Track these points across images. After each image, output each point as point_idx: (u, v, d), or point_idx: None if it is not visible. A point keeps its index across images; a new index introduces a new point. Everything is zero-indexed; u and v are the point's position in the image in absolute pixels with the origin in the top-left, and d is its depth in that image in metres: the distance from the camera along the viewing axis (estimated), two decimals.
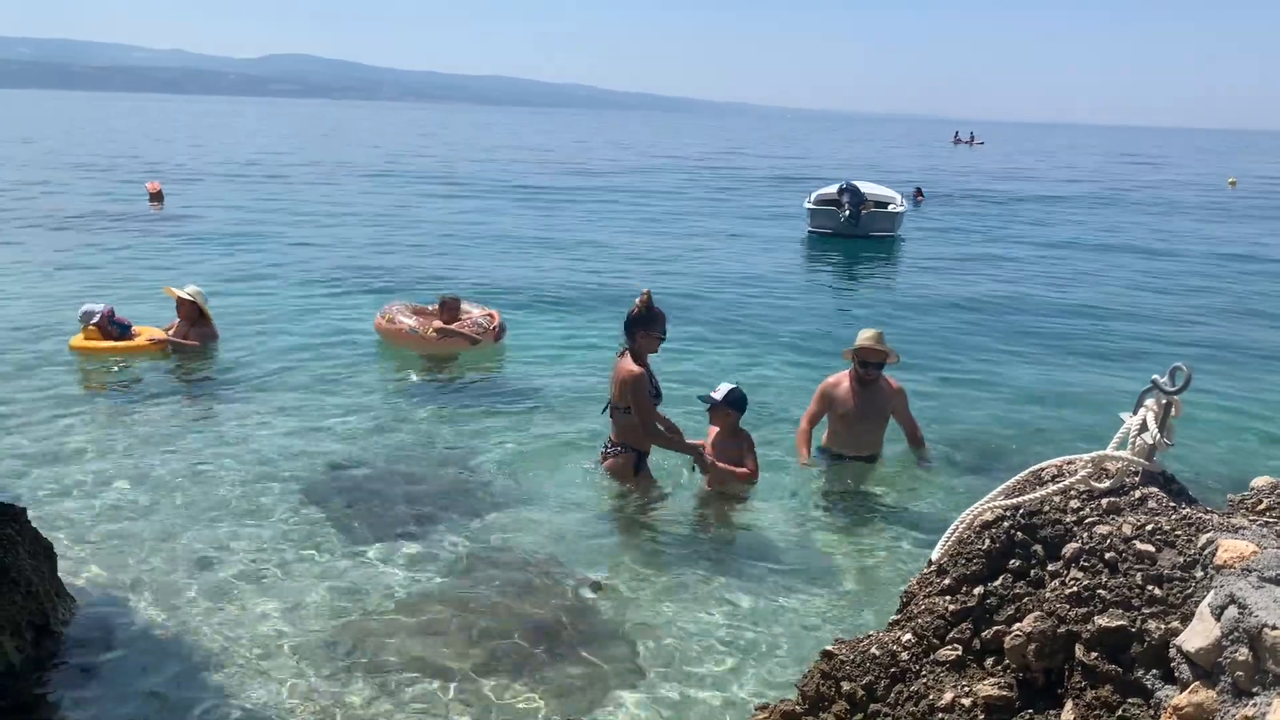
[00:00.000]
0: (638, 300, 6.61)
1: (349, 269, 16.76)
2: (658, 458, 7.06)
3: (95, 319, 10.06)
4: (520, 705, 4.45)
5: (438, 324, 10.76)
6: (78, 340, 10.10)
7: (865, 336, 7.37)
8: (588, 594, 5.54)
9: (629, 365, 6.62)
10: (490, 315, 11.04)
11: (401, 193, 31.55)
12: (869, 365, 7.31)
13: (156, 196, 25.45)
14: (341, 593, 5.43)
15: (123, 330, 10.28)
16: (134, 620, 5.06)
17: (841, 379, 7.51)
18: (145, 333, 10.42)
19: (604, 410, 6.98)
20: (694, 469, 6.94)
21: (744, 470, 6.90)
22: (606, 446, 7.01)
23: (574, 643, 5.01)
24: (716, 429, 7.06)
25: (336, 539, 6.10)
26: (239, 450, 7.57)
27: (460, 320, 10.88)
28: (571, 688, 4.60)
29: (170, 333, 10.41)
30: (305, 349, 10.89)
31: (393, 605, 5.32)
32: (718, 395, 6.93)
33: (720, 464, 6.82)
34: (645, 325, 6.61)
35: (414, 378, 9.92)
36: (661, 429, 6.85)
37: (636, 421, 6.67)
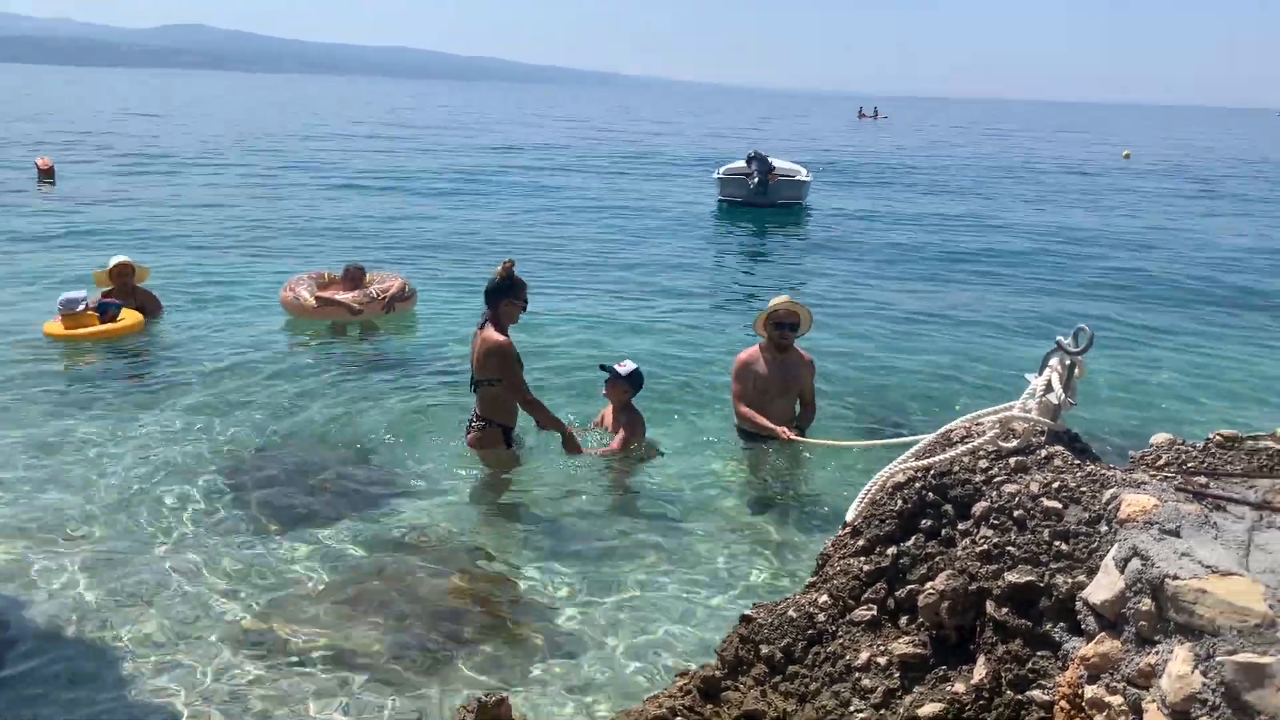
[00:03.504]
0: (499, 268, 6.52)
1: (256, 241, 16.29)
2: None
3: (80, 306, 9.61)
4: (434, 689, 4.37)
5: (320, 293, 10.66)
6: (53, 327, 9.60)
7: (778, 300, 7.28)
8: (496, 572, 5.49)
9: (495, 335, 6.45)
10: (387, 287, 10.86)
11: (305, 166, 30.75)
12: (784, 326, 7.18)
13: (47, 173, 24.01)
14: (248, 579, 5.26)
15: (116, 311, 9.95)
16: (35, 608, 4.85)
17: (754, 353, 7.31)
18: (125, 314, 10.09)
19: (470, 387, 6.81)
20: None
21: (614, 448, 7.00)
22: (471, 422, 6.87)
23: (487, 623, 4.95)
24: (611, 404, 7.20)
25: (240, 525, 5.90)
26: (143, 434, 7.27)
27: (362, 290, 10.74)
28: (488, 668, 4.53)
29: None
30: (210, 325, 10.53)
31: (300, 591, 5.18)
32: (622, 370, 7.06)
33: (585, 450, 6.89)
34: (510, 293, 6.52)
35: (319, 353, 9.65)
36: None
37: (506, 393, 6.56)
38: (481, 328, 6.58)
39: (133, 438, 7.21)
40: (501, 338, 6.45)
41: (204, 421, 7.56)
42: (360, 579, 5.31)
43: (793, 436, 7.02)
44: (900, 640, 2.82)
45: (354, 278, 10.98)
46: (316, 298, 10.57)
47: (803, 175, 24.17)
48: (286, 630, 4.77)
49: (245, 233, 17.19)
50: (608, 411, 7.29)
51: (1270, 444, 2.89)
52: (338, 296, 10.61)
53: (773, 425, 7.06)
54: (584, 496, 6.50)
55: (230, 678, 4.38)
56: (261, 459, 6.93)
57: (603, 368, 7.23)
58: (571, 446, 6.76)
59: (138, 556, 5.46)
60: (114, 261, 10.46)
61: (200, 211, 19.72)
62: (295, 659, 4.54)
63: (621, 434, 7.03)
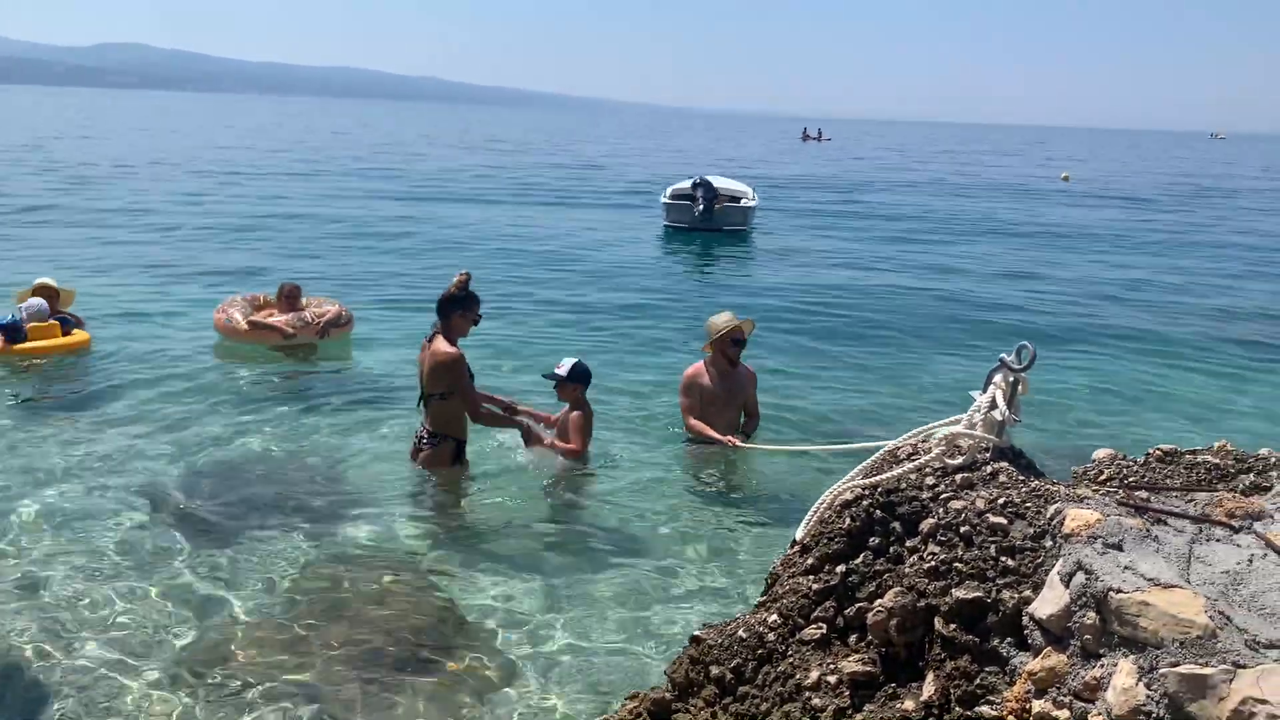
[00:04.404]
0: (455, 280, 6.47)
1: (191, 265, 16.00)
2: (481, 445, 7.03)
3: (50, 317, 9.44)
4: (383, 718, 4.29)
5: (253, 317, 10.48)
6: None
7: (726, 318, 7.45)
8: (443, 597, 5.41)
9: (445, 347, 6.38)
10: (323, 312, 10.68)
11: (245, 187, 30.36)
12: (740, 343, 7.43)
13: None
14: (185, 610, 5.09)
15: (71, 327, 9.76)
16: None
17: (699, 369, 7.52)
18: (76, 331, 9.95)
19: (418, 403, 6.74)
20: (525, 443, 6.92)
21: (571, 448, 7.01)
22: (420, 439, 6.79)
23: (435, 648, 4.84)
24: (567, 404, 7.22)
25: (175, 553, 5.71)
26: (72, 459, 7.07)
27: (298, 311, 10.56)
28: (434, 699, 4.42)
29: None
30: (142, 347, 10.28)
31: (240, 620, 5.03)
32: (562, 370, 7.07)
33: (550, 441, 6.99)
34: (463, 306, 6.47)
35: (255, 376, 9.45)
36: (492, 407, 6.88)
37: (458, 406, 6.53)
38: (430, 340, 6.50)
39: (61, 463, 7.01)
40: (453, 349, 6.39)
41: (137, 447, 7.37)
42: (301, 610, 5.17)
43: (739, 444, 7.19)
44: (850, 659, 2.81)
45: (290, 296, 10.69)
46: (249, 321, 10.37)
47: (749, 200, 24.38)
48: (224, 664, 4.62)
49: (177, 254, 16.94)
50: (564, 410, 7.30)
51: (1207, 458, 2.95)
52: (271, 320, 10.42)
53: (720, 436, 7.26)
54: (533, 515, 6.46)
55: (160, 712, 4.24)
56: (196, 485, 6.74)
57: (545, 376, 7.26)
58: (533, 439, 6.83)
59: (68, 585, 5.28)
60: (36, 282, 10.16)
61: (133, 233, 19.41)
62: (233, 695, 4.39)
63: (570, 431, 7.06)
